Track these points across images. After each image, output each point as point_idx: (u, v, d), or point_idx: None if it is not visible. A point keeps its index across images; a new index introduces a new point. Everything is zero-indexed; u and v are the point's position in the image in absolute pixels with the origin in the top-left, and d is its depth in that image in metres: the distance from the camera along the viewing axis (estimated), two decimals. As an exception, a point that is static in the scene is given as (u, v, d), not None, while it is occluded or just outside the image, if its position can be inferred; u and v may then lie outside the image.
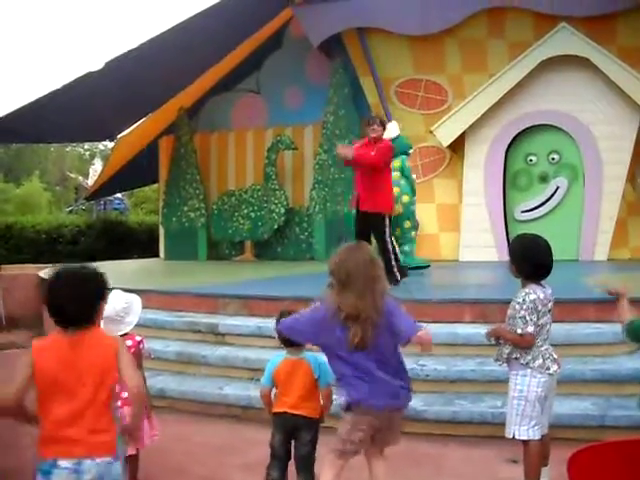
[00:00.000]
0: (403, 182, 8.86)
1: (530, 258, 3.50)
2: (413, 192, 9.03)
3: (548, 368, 3.44)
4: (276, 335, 3.55)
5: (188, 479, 4.06)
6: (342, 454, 3.16)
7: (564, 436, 4.19)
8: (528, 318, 3.39)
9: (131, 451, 3.73)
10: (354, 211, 7.32)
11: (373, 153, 6.96)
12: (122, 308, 3.80)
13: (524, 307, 3.41)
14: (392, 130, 8.95)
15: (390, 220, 7.22)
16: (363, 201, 7.05)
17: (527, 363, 3.44)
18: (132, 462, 3.82)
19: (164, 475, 4.09)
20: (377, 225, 7.09)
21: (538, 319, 3.41)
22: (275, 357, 3.64)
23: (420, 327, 3.10)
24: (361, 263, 3.10)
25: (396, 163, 8.61)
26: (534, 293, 3.42)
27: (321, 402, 3.54)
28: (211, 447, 4.64)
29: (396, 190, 8.22)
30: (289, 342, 3.51)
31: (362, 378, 3.08)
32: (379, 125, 7.05)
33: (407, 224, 8.93)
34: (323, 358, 3.41)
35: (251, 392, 5.11)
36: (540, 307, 3.42)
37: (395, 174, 8.48)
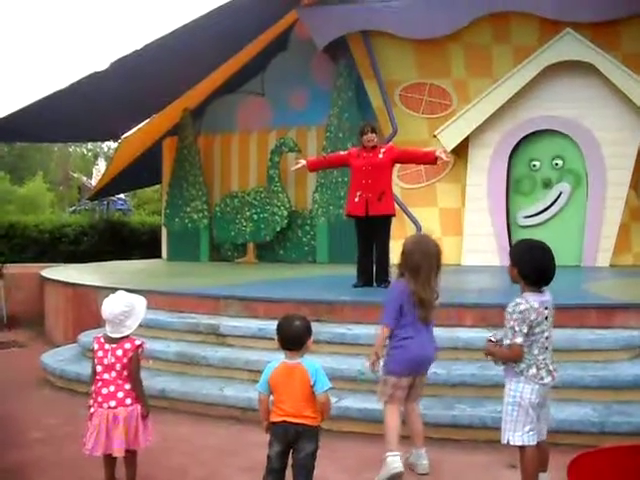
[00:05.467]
0: None
1: (535, 262, 3.47)
2: None
3: (542, 378, 3.41)
4: (276, 337, 3.53)
5: (187, 480, 4.05)
6: (392, 402, 3.99)
7: (564, 442, 4.19)
8: (517, 329, 3.37)
9: (119, 453, 3.71)
10: (355, 218, 7.38)
11: (381, 156, 7.13)
12: (121, 312, 3.76)
13: (513, 317, 3.39)
14: None
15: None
16: (372, 204, 7.13)
17: (521, 371, 3.42)
18: (129, 462, 3.82)
19: (164, 476, 4.09)
20: (387, 228, 7.29)
21: (531, 328, 3.38)
22: (272, 362, 3.53)
23: None
24: (427, 257, 3.93)
25: None
26: (525, 303, 3.39)
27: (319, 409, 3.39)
28: (211, 448, 4.64)
29: None
30: (288, 345, 3.45)
31: (409, 342, 3.93)
32: (372, 132, 7.19)
33: None
34: (319, 364, 3.42)
35: (251, 394, 5.10)
36: (534, 316, 3.38)
37: None
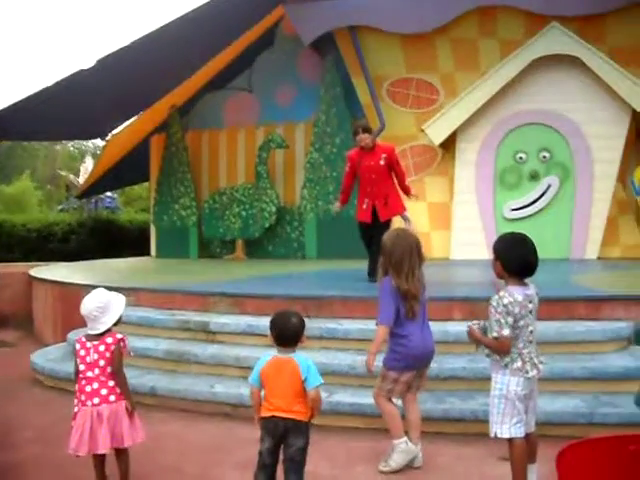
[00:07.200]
0: None
1: (518, 255, 3.47)
2: None
3: (527, 372, 3.41)
4: (268, 333, 3.52)
5: (180, 478, 4.04)
6: (389, 397, 4.10)
7: (553, 433, 4.22)
8: (503, 321, 3.36)
9: (104, 450, 3.66)
10: (360, 224, 7.45)
11: (382, 162, 7.18)
12: (95, 307, 3.74)
13: (498, 310, 3.38)
14: None
15: None
16: (381, 211, 7.26)
17: (506, 365, 3.43)
18: (121, 460, 3.81)
19: (156, 474, 4.08)
20: (386, 229, 7.26)
21: (515, 321, 3.38)
22: (264, 356, 3.53)
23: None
24: (408, 250, 4.01)
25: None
26: (509, 296, 3.38)
27: (309, 405, 3.39)
28: (203, 445, 4.64)
29: None
30: (281, 341, 3.45)
31: (410, 340, 3.97)
32: (364, 132, 7.20)
33: None
34: (311, 360, 3.43)
35: (242, 390, 5.12)
36: (517, 309, 3.37)
37: None
